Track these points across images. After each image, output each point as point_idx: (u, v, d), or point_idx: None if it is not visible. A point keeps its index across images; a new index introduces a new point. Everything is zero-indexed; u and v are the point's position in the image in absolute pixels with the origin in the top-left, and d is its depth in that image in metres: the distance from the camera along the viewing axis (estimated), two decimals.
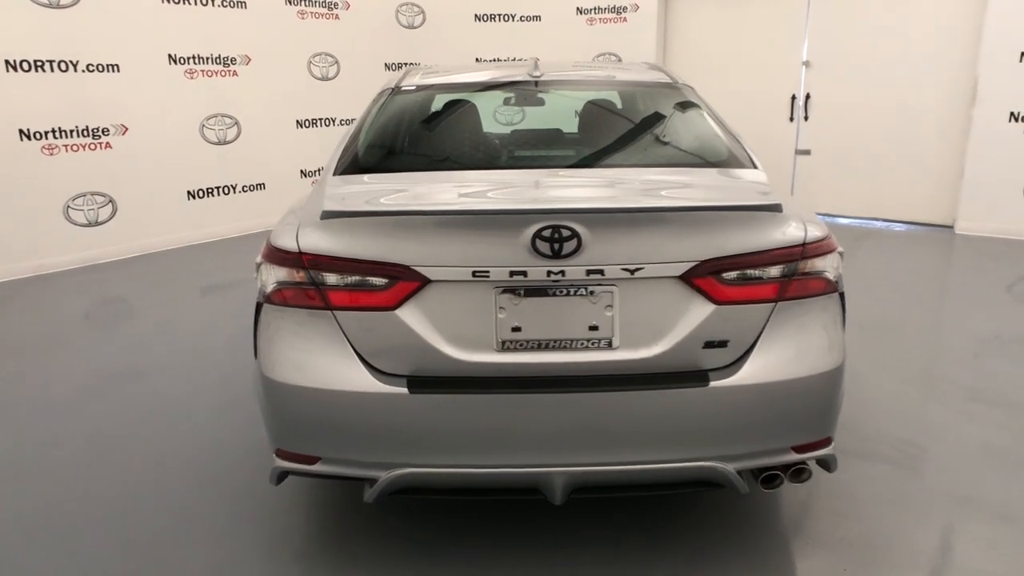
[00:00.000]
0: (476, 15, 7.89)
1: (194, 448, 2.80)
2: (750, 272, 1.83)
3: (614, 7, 7.62)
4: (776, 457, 1.91)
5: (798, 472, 2.00)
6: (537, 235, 1.76)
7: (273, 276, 1.92)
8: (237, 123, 6.41)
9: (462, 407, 1.82)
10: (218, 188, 6.38)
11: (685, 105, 2.62)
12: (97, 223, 5.58)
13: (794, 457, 1.93)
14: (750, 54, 7.15)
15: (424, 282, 1.81)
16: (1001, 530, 2.25)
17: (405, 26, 7.66)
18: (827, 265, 1.91)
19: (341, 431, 1.88)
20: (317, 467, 1.95)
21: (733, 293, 1.83)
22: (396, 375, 1.85)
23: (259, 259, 1.98)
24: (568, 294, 1.82)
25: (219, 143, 6.32)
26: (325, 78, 7.06)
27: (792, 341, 1.88)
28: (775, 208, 1.83)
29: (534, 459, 1.85)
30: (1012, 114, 5.76)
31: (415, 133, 2.58)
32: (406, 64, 7.73)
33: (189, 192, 6.19)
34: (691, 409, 1.83)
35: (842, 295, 1.97)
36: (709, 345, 1.84)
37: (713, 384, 1.81)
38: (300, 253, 1.86)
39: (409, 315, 1.82)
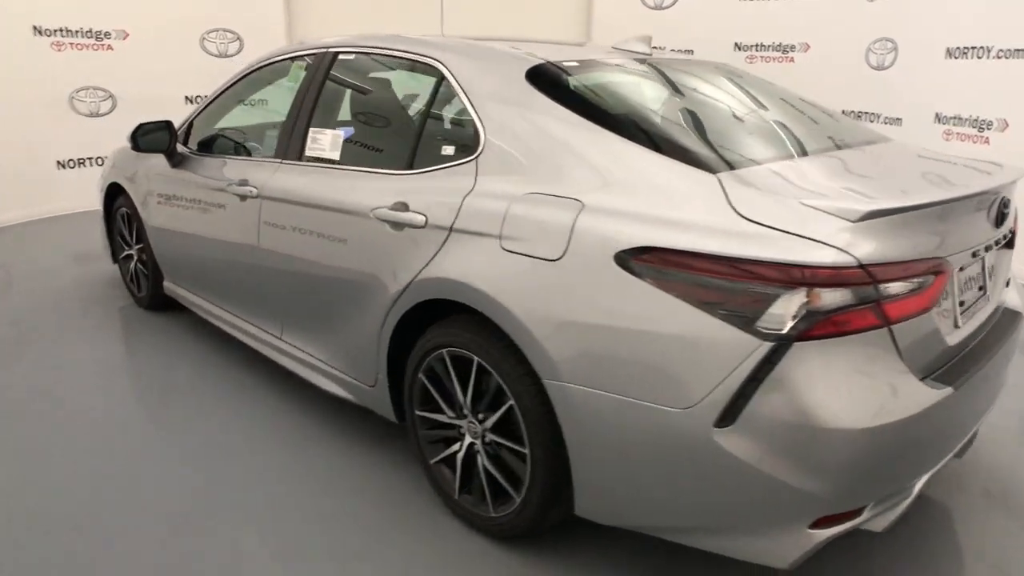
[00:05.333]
0: None
1: None
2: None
3: None
4: None
5: None
6: (998, 208, 1.85)
7: (813, 303, 1.51)
8: None
9: (971, 387, 1.80)
10: None
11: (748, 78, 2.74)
12: None
13: None
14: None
15: (950, 272, 1.71)
16: None
17: None
18: None
19: (904, 460, 1.65)
20: (861, 518, 1.65)
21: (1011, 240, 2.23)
22: (923, 378, 1.70)
23: (766, 292, 1.51)
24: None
25: None
26: None
27: None
28: None
29: None
30: None
31: (683, 120, 2.12)
32: None
33: None
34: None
35: None
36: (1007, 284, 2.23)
37: None
38: (862, 266, 1.52)
39: (937, 310, 1.70)
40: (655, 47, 2.67)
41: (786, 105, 2.46)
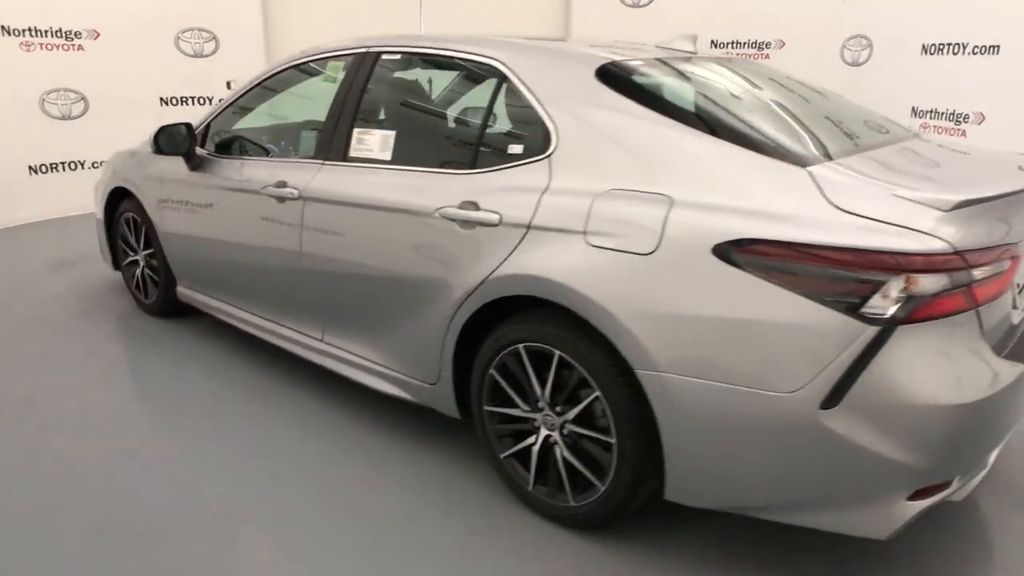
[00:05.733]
0: None
1: None
2: None
3: None
4: None
5: None
6: None
7: (915, 288, 1.60)
8: None
9: None
10: None
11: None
12: None
13: None
14: (364, 30, 7.03)
15: (1021, 257, 1.83)
16: None
17: None
18: None
19: (989, 433, 1.77)
20: (950, 489, 1.76)
21: None
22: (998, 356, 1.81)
23: (874, 278, 1.60)
24: None
25: None
26: None
27: None
28: None
29: None
30: None
31: (756, 116, 2.19)
32: None
33: None
34: None
35: None
36: None
37: None
38: (957, 252, 1.62)
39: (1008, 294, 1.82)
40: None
41: (829, 102, 2.57)
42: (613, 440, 2.00)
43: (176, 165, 3.38)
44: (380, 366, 2.64)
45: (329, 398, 2.98)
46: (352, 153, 2.66)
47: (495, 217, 2.17)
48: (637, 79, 2.19)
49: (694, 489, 1.93)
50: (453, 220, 2.27)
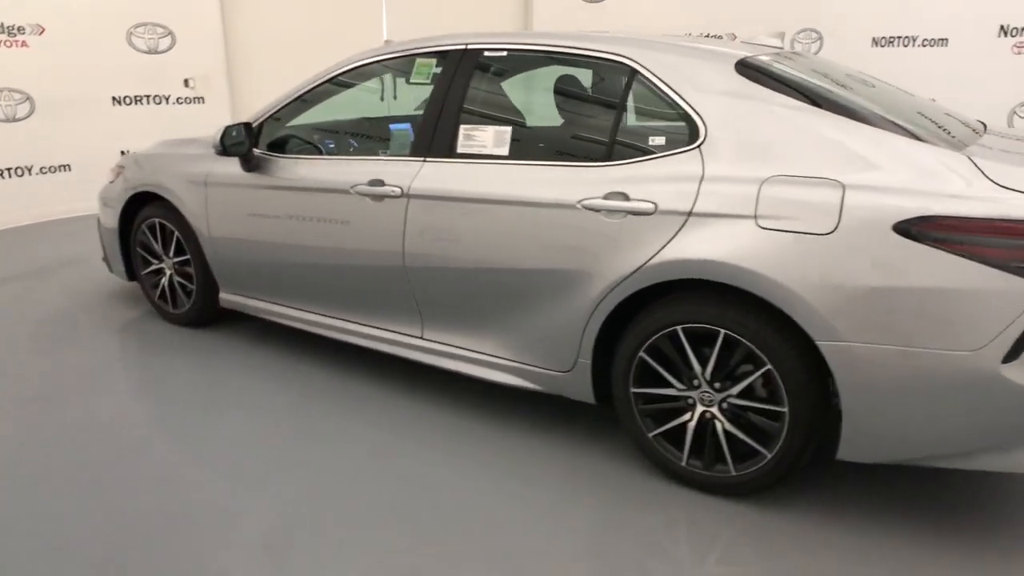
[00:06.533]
0: None
1: None
2: None
3: None
4: None
5: None
6: None
7: None
8: None
9: None
10: None
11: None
12: None
13: None
14: (326, 29, 6.85)
15: None
16: None
17: None
18: None
19: None
20: None
21: None
22: None
23: None
24: None
25: None
26: None
27: None
28: None
29: None
30: None
31: (890, 105, 2.36)
32: None
33: None
34: None
35: None
36: None
37: None
38: None
39: None
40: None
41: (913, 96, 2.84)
42: (784, 409, 2.16)
43: (226, 167, 3.25)
44: (498, 358, 2.68)
45: (414, 394, 2.98)
46: (460, 149, 2.67)
47: (650, 206, 2.27)
48: (777, 72, 2.35)
49: (870, 446, 2.11)
50: (598, 211, 2.35)
